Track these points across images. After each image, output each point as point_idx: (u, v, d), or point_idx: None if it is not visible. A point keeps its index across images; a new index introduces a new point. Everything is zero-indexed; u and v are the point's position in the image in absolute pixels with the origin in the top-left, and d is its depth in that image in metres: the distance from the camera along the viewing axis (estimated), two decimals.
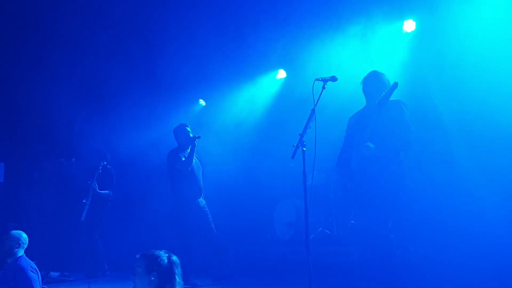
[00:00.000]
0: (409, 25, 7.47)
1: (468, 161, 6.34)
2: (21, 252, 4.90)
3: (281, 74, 9.34)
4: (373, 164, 4.67)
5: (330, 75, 4.49)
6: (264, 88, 9.50)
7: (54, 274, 7.54)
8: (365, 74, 5.16)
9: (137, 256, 3.26)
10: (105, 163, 7.76)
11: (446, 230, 6.18)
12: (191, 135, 6.75)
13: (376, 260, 4.81)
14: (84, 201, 7.44)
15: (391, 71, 7.08)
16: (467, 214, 6.15)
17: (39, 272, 4.96)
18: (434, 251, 6.09)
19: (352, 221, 7.59)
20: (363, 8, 7.32)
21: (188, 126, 6.88)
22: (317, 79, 4.43)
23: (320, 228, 7.76)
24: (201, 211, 6.72)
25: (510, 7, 6.38)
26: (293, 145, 4.23)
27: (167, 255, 3.25)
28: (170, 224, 7.93)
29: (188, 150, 6.75)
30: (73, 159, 8.20)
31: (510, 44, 6.20)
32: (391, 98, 4.75)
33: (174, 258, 3.27)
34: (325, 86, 4.42)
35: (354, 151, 4.82)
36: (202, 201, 6.81)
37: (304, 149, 4.24)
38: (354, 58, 7.69)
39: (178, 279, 3.23)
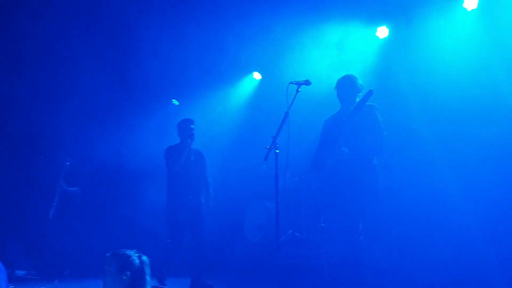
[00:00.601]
0: (382, 31, 7.59)
1: (443, 163, 6.49)
2: None
3: (256, 76, 9.37)
4: (348, 168, 4.72)
5: (305, 79, 4.53)
6: (237, 90, 9.51)
7: (19, 272, 7.40)
8: (338, 77, 5.21)
9: (108, 255, 3.22)
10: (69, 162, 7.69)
11: (418, 232, 6.32)
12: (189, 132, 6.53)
13: (345, 262, 4.87)
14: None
15: (364, 76, 7.26)
16: (441, 216, 6.30)
17: (4, 271, 4.85)
18: (406, 252, 6.23)
19: (323, 224, 7.66)
20: (338, 15, 7.41)
21: (192, 123, 6.66)
22: (292, 83, 4.47)
23: (290, 231, 7.80)
24: (190, 210, 6.48)
25: (479, 17, 6.59)
26: (266, 147, 4.25)
27: (137, 254, 3.24)
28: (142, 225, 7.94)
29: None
30: (41, 156, 8.03)
31: (479, 53, 6.40)
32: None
33: (144, 258, 3.26)
34: (299, 89, 4.45)
35: (329, 155, 4.86)
36: (195, 199, 6.54)
37: (277, 151, 4.26)
38: (328, 62, 7.79)
39: (148, 278, 3.23)
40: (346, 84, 4.98)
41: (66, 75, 8.64)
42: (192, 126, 6.60)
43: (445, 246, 6.02)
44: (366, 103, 4.62)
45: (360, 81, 5.03)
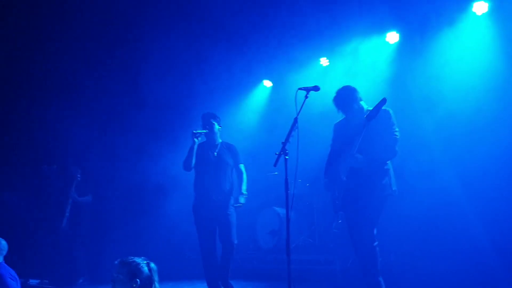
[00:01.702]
0: (393, 37, 7.60)
1: (450, 170, 6.49)
2: (0, 259, 4.85)
3: (267, 84, 9.40)
4: (362, 174, 4.72)
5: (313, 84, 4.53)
6: (249, 96, 9.54)
7: (33, 281, 7.46)
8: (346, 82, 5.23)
9: (116, 262, 3.24)
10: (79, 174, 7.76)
11: (430, 237, 6.33)
12: (198, 131, 6.05)
13: (359, 268, 4.85)
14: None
15: (375, 83, 7.31)
16: (448, 221, 6.30)
17: (18, 280, 4.91)
18: (418, 257, 6.23)
19: (335, 230, 7.62)
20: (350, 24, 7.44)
21: (206, 118, 6.14)
22: (300, 88, 4.47)
23: (303, 237, 7.78)
24: (215, 211, 5.95)
25: (488, 25, 6.59)
26: (276, 153, 4.25)
27: (146, 262, 3.26)
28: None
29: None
30: (54, 166, 8.11)
31: (486, 60, 6.42)
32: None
33: (153, 265, 3.28)
34: (308, 95, 4.45)
35: (342, 162, 4.84)
36: (221, 199, 5.98)
37: (287, 157, 4.26)
38: (339, 70, 7.86)
39: (157, 285, 3.24)
40: (346, 93, 4.95)
41: (82, 84, 8.73)
42: (211, 121, 6.11)
43: (455, 250, 6.02)
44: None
45: (359, 93, 5.00)
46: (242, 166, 6.25)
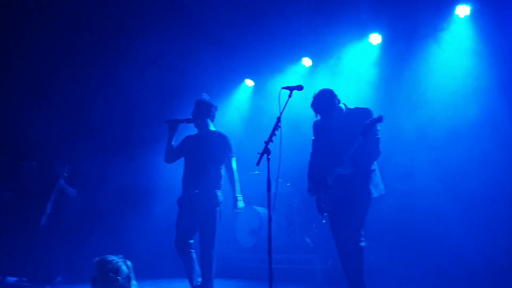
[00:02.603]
0: (375, 38, 7.66)
1: (429, 171, 6.57)
2: None
3: (249, 83, 9.40)
4: (349, 178, 4.74)
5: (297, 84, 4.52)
6: (229, 97, 9.53)
7: (11, 279, 7.35)
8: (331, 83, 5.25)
9: (95, 261, 3.23)
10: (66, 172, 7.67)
11: (411, 238, 6.40)
12: (172, 120, 5.53)
13: (345, 268, 4.85)
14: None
15: (357, 84, 7.37)
16: (429, 222, 6.38)
17: None
18: (398, 258, 6.30)
19: (315, 230, 7.66)
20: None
21: (202, 106, 5.55)
22: (284, 88, 4.46)
23: (283, 236, 7.81)
24: (197, 208, 5.35)
25: (470, 28, 6.69)
26: (258, 153, 4.23)
27: (122, 259, 3.27)
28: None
29: None
30: (34, 163, 8.00)
31: (468, 63, 6.56)
32: (360, 107, 4.91)
33: (129, 263, 3.31)
34: (291, 94, 4.44)
35: (329, 168, 4.84)
36: (203, 194, 5.34)
37: (269, 156, 4.25)
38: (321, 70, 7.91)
39: (135, 282, 3.26)
40: (324, 99, 4.92)
41: (67, 85, 8.64)
42: (196, 109, 5.56)
43: (436, 250, 6.10)
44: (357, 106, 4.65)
45: (336, 96, 4.99)
46: (232, 161, 5.54)
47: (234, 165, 5.55)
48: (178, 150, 5.62)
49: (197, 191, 5.36)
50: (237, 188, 5.51)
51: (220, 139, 5.53)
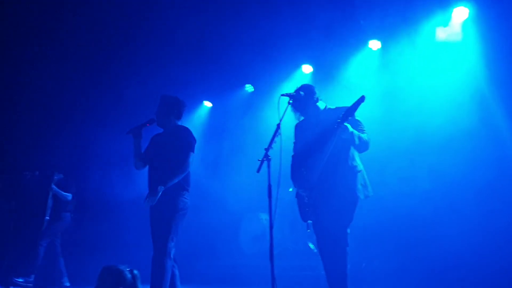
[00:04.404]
0: (375, 44, 7.70)
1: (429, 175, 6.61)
2: None
3: (249, 88, 9.43)
4: (335, 177, 4.64)
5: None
6: (228, 103, 9.56)
7: (18, 280, 7.41)
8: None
9: (100, 270, 3.24)
10: (61, 175, 7.71)
11: (398, 243, 6.42)
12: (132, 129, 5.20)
13: (329, 273, 4.78)
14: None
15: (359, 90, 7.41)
16: (423, 225, 6.41)
17: None
18: (388, 263, 6.31)
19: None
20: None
21: (163, 103, 5.19)
22: (283, 95, 4.48)
23: (286, 242, 7.81)
24: (151, 211, 4.98)
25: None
26: (258, 160, 4.25)
27: (128, 269, 3.26)
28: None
29: None
30: (37, 172, 8.03)
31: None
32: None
33: (136, 272, 3.29)
34: (291, 101, 4.47)
35: (311, 165, 4.74)
36: (152, 199, 4.84)
37: (270, 163, 4.26)
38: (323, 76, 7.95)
39: None
40: (307, 91, 4.86)
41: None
42: (158, 108, 5.20)
43: (426, 254, 6.13)
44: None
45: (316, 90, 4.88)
46: (186, 155, 5.00)
47: (186, 157, 4.99)
48: (144, 154, 5.25)
49: (147, 196, 4.92)
50: (173, 178, 4.88)
51: (177, 134, 5.10)
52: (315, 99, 4.81)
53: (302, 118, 4.92)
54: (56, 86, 8.50)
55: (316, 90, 4.85)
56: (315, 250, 7.48)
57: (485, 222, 6.03)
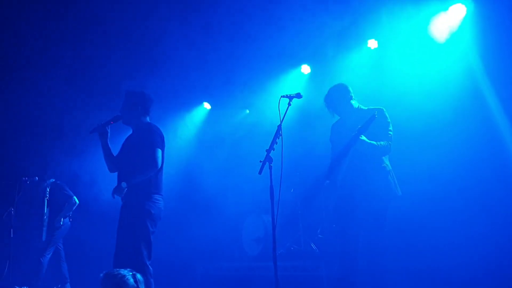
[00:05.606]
0: (372, 43, 7.69)
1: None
2: None
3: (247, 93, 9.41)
4: (367, 175, 4.76)
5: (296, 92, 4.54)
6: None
7: None
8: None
9: (101, 275, 3.22)
10: (52, 180, 7.69)
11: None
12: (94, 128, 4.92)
13: (343, 275, 4.81)
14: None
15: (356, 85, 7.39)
16: (426, 224, 6.39)
17: None
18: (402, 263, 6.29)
19: (320, 236, 7.65)
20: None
21: (126, 100, 4.95)
22: (283, 96, 4.48)
23: (288, 243, 7.79)
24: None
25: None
26: (260, 161, 4.24)
27: (131, 273, 3.23)
28: None
29: None
30: (36, 178, 8.00)
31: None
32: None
33: (139, 276, 3.26)
34: (291, 103, 4.47)
35: (341, 164, 4.84)
36: (119, 192, 4.59)
37: (271, 164, 4.26)
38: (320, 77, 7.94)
39: None
40: (337, 92, 5.02)
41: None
42: (123, 104, 4.98)
43: (447, 258, 6.09)
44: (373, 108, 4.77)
45: (351, 88, 5.08)
46: (153, 151, 4.73)
47: (153, 153, 4.74)
48: (116, 158, 5.02)
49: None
50: (137, 177, 4.67)
51: (144, 131, 4.86)
52: (349, 97, 4.98)
53: (337, 118, 5.14)
54: (55, 92, 8.49)
55: (350, 89, 5.06)
56: (317, 251, 7.47)
57: (485, 222, 6.00)
